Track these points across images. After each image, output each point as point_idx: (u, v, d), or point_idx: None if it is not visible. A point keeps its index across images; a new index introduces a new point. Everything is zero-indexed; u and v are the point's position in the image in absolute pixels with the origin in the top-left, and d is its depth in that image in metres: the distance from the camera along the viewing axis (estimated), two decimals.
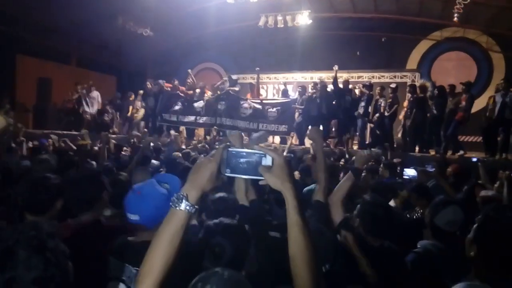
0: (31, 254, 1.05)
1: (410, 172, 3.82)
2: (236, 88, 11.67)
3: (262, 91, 13.78)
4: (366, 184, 3.86)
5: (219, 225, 1.75)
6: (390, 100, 10.42)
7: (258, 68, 11.82)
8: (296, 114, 11.09)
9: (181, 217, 1.15)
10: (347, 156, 7.81)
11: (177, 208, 1.15)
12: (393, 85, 10.96)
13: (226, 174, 1.19)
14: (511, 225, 1.45)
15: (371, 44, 14.80)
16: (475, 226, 1.53)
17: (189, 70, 13.17)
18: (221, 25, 14.78)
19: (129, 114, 13.00)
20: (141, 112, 12.79)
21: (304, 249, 1.13)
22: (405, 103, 10.61)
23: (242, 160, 1.17)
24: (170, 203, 1.16)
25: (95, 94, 12.83)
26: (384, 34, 14.66)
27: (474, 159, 6.41)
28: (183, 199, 1.15)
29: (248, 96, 12.03)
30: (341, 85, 10.80)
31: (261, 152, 1.17)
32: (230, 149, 1.18)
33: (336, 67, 10.79)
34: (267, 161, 1.16)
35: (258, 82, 12.05)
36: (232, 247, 1.59)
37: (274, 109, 10.93)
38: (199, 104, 11.66)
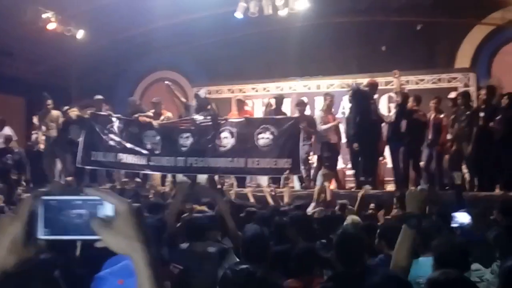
0: None
1: (461, 217, 3.73)
2: (206, 113, 9.58)
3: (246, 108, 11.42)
4: None
5: None
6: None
7: None
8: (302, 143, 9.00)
9: None
10: None
11: None
12: (452, 95, 9.06)
13: (42, 237, 0.92)
14: None
15: (401, 35, 12.93)
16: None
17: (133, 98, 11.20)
18: (178, 16, 12.13)
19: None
20: None
21: None
22: None
23: (68, 212, 0.93)
24: None
25: (7, 131, 10.78)
26: (419, 20, 12.47)
27: None
28: None
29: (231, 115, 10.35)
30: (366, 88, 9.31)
31: (95, 198, 0.94)
32: (46, 197, 0.94)
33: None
34: (106, 211, 0.92)
35: None
36: None
37: (268, 133, 8.98)
38: (151, 135, 9.48)
